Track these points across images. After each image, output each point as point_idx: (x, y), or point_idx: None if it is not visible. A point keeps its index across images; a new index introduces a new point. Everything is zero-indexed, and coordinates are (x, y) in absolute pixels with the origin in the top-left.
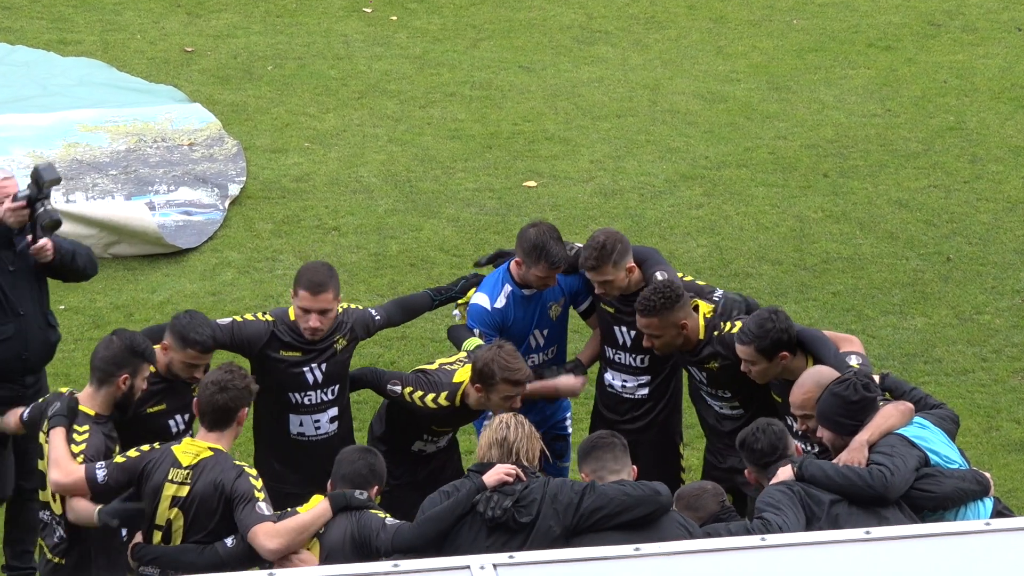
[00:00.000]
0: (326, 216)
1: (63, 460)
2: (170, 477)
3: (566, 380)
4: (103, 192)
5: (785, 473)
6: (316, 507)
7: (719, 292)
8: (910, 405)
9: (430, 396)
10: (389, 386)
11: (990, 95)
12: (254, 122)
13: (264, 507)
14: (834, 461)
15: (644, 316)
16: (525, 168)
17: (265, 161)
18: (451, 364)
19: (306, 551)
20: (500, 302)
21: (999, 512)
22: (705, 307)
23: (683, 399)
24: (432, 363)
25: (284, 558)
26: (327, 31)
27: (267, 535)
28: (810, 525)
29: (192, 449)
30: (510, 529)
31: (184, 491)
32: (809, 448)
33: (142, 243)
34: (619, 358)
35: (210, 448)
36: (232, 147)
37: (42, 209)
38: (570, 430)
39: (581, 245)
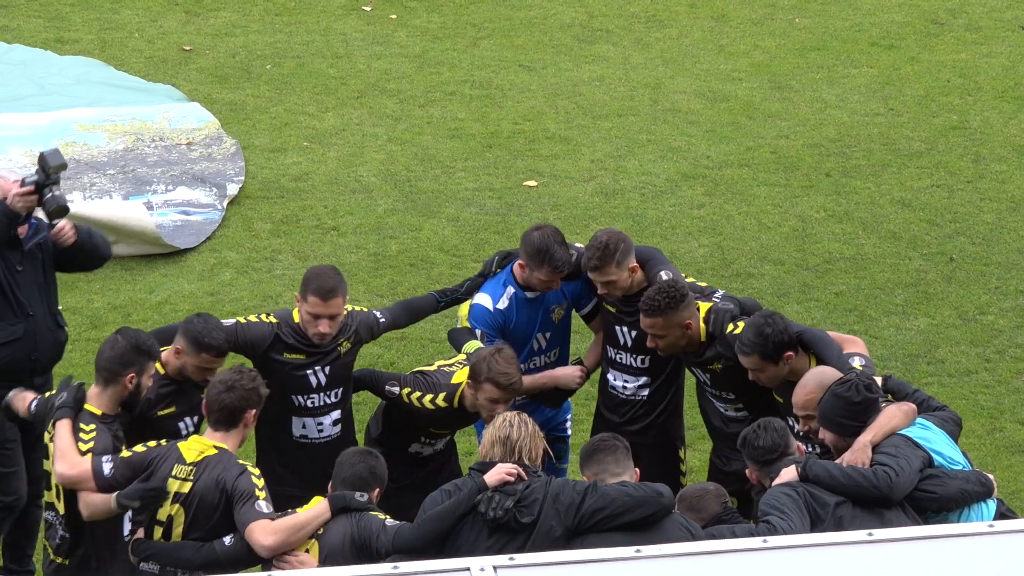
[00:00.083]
0: (325, 216)
1: (68, 452)
2: (174, 473)
3: (564, 370)
4: (101, 192)
5: (789, 474)
6: (314, 507)
7: (720, 293)
8: (913, 406)
9: (428, 397)
10: (387, 387)
11: (993, 94)
12: (253, 121)
13: (264, 505)
14: (837, 462)
15: (648, 316)
16: (525, 168)
17: (264, 160)
18: (450, 366)
19: (305, 553)
20: (503, 303)
21: (1002, 514)
22: (706, 308)
23: (684, 403)
24: (431, 364)
25: (283, 559)
26: (326, 30)
27: (263, 531)
28: (815, 528)
29: (197, 446)
30: (511, 529)
31: (187, 487)
32: (811, 449)
33: (140, 243)
34: (620, 358)
35: (215, 447)
36: (230, 146)
37: (49, 195)
38: (570, 432)
39: (582, 246)
